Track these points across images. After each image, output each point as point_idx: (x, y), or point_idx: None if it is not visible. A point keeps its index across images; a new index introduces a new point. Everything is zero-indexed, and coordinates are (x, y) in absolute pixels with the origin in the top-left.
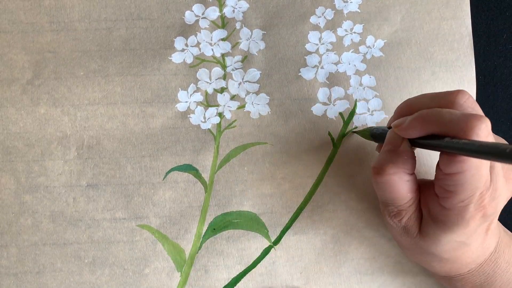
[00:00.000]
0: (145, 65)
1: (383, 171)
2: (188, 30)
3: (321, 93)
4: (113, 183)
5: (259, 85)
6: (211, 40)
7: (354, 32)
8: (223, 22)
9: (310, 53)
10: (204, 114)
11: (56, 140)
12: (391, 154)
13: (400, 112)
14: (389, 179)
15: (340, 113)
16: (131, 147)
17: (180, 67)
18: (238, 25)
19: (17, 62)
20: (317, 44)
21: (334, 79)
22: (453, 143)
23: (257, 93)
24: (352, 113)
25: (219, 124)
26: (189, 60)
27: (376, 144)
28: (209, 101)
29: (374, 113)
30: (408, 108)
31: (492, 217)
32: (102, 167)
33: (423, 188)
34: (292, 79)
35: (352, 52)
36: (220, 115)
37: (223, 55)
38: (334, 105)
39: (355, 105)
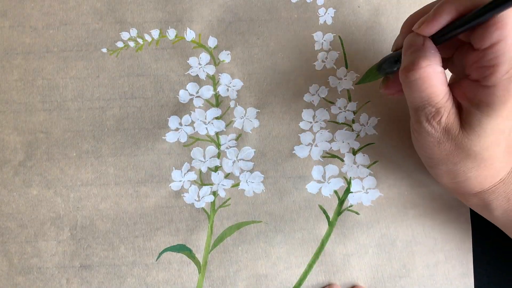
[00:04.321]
0: (139, 145)
1: (416, 65)
2: (182, 109)
3: (316, 171)
4: (106, 263)
5: (253, 163)
6: (205, 118)
7: (348, 110)
8: (217, 101)
9: (304, 131)
10: (198, 193)
11: (49, 221)
12: (417, 52)
13: (407, 27)
14: (423, 73)
15: (335, 191)
16: (124, 227)
17: (174, 146)
18: (232, 104)
19: (9, 143)
20: (311, 122)
21: (328, 157)
22: (485, 8)
23: (251, 171)
24: (347, 191)
25: (213, 203)
26: (183, 139)
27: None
28: (203, 180)
29: (368, 191)
30: (416, 18)
31: None
32: (95, 247)
33: (454, 84)
34: (286, 157)
35: (345, 130)
36: (214, 193)
37: (217, 134)
38: (328, 183)
39: (350, 183)
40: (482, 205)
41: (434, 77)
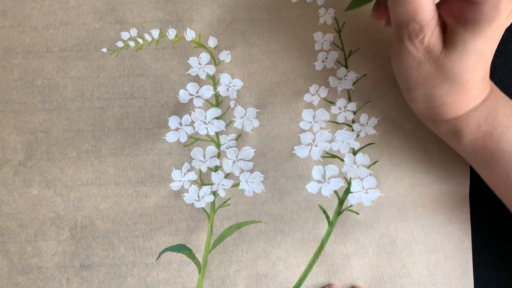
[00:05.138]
0: (139, 145)
1: None
2: (182, 109)
3: (316, 171)
4: (106, 263)
5: (253, 163)
6: (205, 118)
7: (348, 110)
8: (217, 101)
9: (304, 131)
10: (198, 193)
11: (49, 221)
12: None
13: None
14: None
15: (335, 191)
16: (124, 227)
17: (174, 146)
18: (232, 104)
19: (9, 143)
20: (311, 122)
21: (328, 157)
22: None
23: (251, 171)
24: (347, 191)
25: (213, 203)
26: (183, 139)
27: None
28: (203, 180)
29: (368, 191)
30: None
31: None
32: (95, 247)
33: (441, 2)
34: (286, 157)
35: (345, 130)
36: (214, 193)
37: (217, 134)
38: (328, 183)
39: (350, 183)
40: (452, 132)
41: None
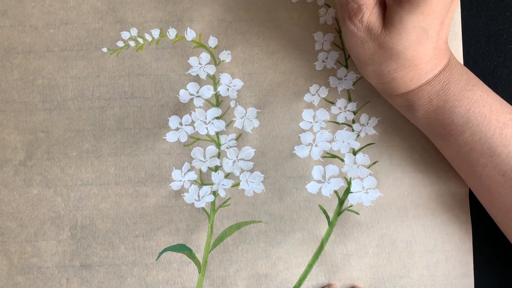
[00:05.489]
0: (139, 145)
1: None
2: (182, 108)
3: (316, 171)
4: (106, 263)
5: (253, 163)
6: (206, 118)
7: (348, 110)
8: (218, 101)
9: (304, 131)
10: (198, 193)
11: (49, 220)
12: None
13: None
14: None
15: (335, 191)
16: (124, 227)
17: (174, 146)
18: (232, 104)
19: (10, 143)
20: (311, 122)
21: (328, 157)
22: None
23: (251, 171)
24: (347, 191)
25: (213, 203)
26: (184, 139)
27: None
28: (203, 180)
29: (368, 192)
30: None
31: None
32: (95, 247)
33: None
34: (287, 157)
35: (346, 130)
36: (215, 193)
37: (217, 134)
38: (328, 183)
39: (350, 183)
40: (405, 106)
41: None
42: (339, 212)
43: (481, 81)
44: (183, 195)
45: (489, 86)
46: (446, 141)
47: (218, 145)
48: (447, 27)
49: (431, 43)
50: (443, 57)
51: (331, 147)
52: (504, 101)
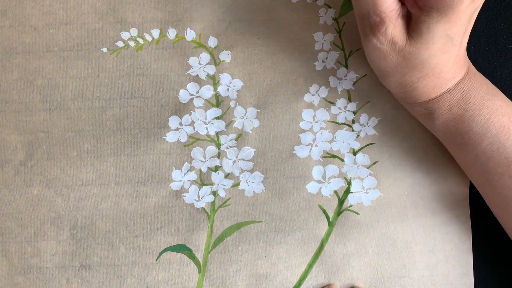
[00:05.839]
0: (139, 145)
1: None
2: (182, 109)
3: (316, 171)
4: (106, 263)
5: (253, 163)
6: (206, 118)
7: (348, 110)
8: (218, 101)
9: (304, 131)
10: (198, 193)
11: (49, 221)
12: None
13: None
14: None
15: (335, 191)
16: (124, 227)
17: (174, 146)
18: (232, 104)
19: (10, 143)
20: (311, 122)
21: (328, 157)
22: None
23: (251, 171)
24: (347, 191)
25: (213, 203)
26: (184, 139)
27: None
28: (203, 180)
29: (368, 192)
30: None
31: (477, 7)
32: (95, 247)
33: None
34: (287, 157)
35: (345, 130)
36: (214, 193)
37: (217, 134)
38: (328, 183)
39: (350, 183)
40: (425, 114)
41: None
42: (339, 212)
43: (500, 91)
44: (183, 195)
45: None
46: (464, 150)
47: (218, 145)
48: (467, 34)
49: (455, 50)
50: (463, 65)
51: (331, 147)
52: None
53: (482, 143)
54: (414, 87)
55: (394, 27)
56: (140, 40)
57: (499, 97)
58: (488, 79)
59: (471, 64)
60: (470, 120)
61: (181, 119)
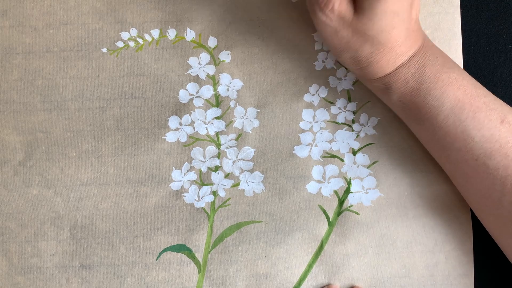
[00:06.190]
0: (139, 145)
1: None
2: (182, 109)
3: (316, 171)
4: (106, 263)
5: (253, 163)
6: (205, 118)
7: (348, 110)
8: (217, 101)
9: (304, 131)
10: (198, 193)
11: (49, 221)
12: None
13: None
14: None
15: (335, 191)
16: (124, 227)
17: (174, 146)
18: (232, 104)
19: (9, 143)
20: (311, 122)
21: (328, 157)
22: None
23: (251, 171)
24: (347, 191)
25: (213, 203)
26: (183, 139)
27: None
28: (203, 180)
29: (368, 191)
30: None
31: None
32: (95, 247)
33: None
34: (286, 157)
35: (345, 130)
36: (214, 193)
37: (217, 134)
38: (328, 183)
39: (350, 183)
40: (383, 89)
41: None
42: (339, 212)
43: (457, 64)
44: (183, 195)
45: (489, 86)
46: (422, 125)
47: (218, 145)
48: (417, 7)
49: (404, 25)
50: (417, 38)
51: (331, 147)
52: (480, 85)
53: (438, 117)
54: (368, 62)
55: (340, 3)
56: (140, 40)
57: (455, 70)
58: (488, 79)
59: (427, 37)
60: (426, 93)
61: (181, 119)
